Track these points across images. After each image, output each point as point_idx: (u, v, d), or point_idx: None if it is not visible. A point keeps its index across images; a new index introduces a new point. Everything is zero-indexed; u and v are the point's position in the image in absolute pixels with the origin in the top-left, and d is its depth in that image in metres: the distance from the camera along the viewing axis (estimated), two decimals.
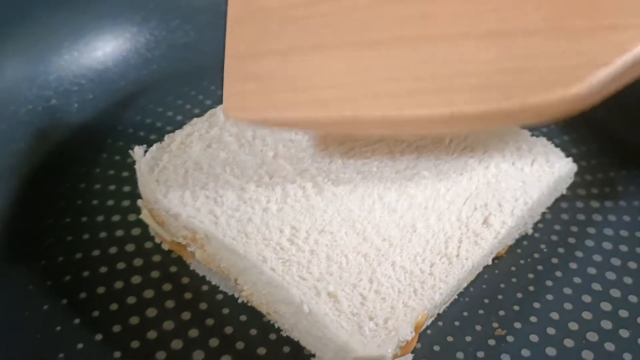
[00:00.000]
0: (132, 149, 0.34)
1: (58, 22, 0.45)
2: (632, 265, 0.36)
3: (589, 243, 0.37)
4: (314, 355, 0.30)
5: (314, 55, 0.31)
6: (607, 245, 0.37)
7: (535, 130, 0.42)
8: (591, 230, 0.38)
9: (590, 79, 0.28)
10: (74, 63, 0.46)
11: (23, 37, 0.43)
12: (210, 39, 0.50)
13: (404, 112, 0.28)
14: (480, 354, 0.32)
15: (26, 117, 0.42)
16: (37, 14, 0.44)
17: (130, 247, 0.36)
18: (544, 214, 0.38)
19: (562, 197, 0.39)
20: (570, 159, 0.35)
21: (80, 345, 0.31)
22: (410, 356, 0.31)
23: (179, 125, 0.41)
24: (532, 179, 0.33)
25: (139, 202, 0.36)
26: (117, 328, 0.32)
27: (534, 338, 0.32)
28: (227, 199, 0.31)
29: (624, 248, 0.37)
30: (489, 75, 0.29)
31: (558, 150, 0.36)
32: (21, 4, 0.43)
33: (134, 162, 0.40)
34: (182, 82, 0.48)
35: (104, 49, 0.47)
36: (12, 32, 0.42)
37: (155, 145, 0.34)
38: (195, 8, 0.51)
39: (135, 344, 0.31)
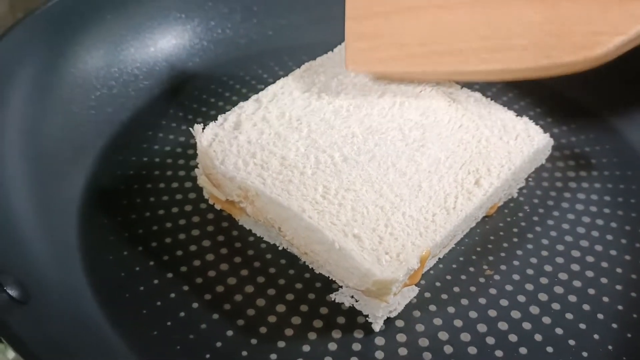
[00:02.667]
0: (184, 128, 0.42)
1: (119, 24, 0.52)
2: (600, 222, 0.44)
3: (564, 205, 0.45)
4: (341, 287, 0.38)
5: (408, 16, 0.42)
6: (579, 207, 0.45)
7: (522, 111, 0.50)
8: (567, 194, 0.46)
9: (609, 44, 0.38)
10: (130, 57, 0.53)
11: (92, 36, 0.51)
12: (243, 35, 0.58)
13: (468, 68, 0.40)
14: (473, 289, 0.40)
15: (95, 102, 0.50)
16: (103, 18, 0.52)
17: (188, 208, 0.44)
18: (528, 181, 0.46)
19: (543, 168, 0.47)
20: (547, 135, 0.43)
21: (155, 281, 0.39)
22: (416, 289, 0.39)
23: (220, 108, 0.49)
24: (515, 149, 0.41)
25: (196, 170, 0.44)
26: (183, 269, 0.40)
27: (515, 277, 0.40)
28: (272, 165, 0.39)
29: (593, 209, 0.45)
30: (535, 37, 0.40)
31: (538, 127, 0.43)
32: (92, 9, 0.51)
33: (185, 140, 0.49)
34: (221, 72, 0.55)
35: (155, 46, 0.55)
36: (83, 31, 0.50)
37: (211, 124, 0.42)
38: (230, 9, 0.59)
39: (199, 280, 0.39)
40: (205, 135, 0.41)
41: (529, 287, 0.40)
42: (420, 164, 0.39)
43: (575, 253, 0.42)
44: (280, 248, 0.41)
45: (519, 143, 0.42)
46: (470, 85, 0.53)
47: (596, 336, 0.37)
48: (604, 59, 0.39)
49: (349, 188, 0.38)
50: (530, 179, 0.46)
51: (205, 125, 0.41)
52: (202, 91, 0.54)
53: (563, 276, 0.40)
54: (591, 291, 0.40)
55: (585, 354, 0.36)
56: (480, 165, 0.40)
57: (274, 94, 0.44)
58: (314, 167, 0.39)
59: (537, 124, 0.44)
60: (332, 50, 0.49)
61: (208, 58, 0.57)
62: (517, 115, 0.44)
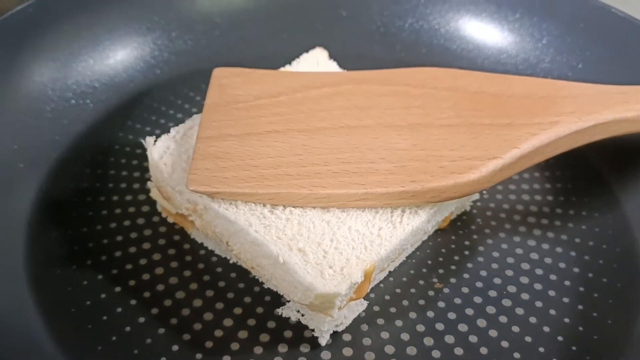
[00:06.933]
0: (141, 141, 0.42)
1: (78, 35, 0.52)
2: (550, 234, 0.44)
3: (516, 218, 0.45)
4: (289, 301, 0.38)
5: (264, 139, 0.38)
6: (530, 220, 0.45)
7: None
8: (519, 207, 0.46)
9: (481, 168, 0.36)
10: (89, 69, 0.53)
11: (48, 46, 0.51)
12: (205, 47, 0.58)
13: (326, 191, 0.36)
14: (422, 302, 0.40)
15: (51, 114, 0.49)
16: (60, 27, 0.51)
17: (140, 221, 0.44)
18: (482, 194, 0.46)
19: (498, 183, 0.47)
20: None
21: (103, 296, 0.39)
22: (365, 302, 0.39)
23: (179, 121, 0.48)
24: None
25: (149, 183, 0.43)
26: (132, 282, 0.40)
27: (465, 290, 0.40)
28: None
29: (544, 221, 0.45)
30: (402, 161, 0.37)
31: None
32: (49, 19, 0.51)
33: (142, 152, 0.49)
34: (182, 85, 0.55)
35: (115, 57, 0.55)
36: (41, 42, 0.50)
37: (163, 136, 0.42)
38: (193, 20, 0.59)
39: (147, 294, 0.39)
40: (157, 148, 0.41)
41: (478, 300, 0.40)
42: None
43: (525, 266, 0.42)
44: (231, 262, 0.41)
45: None
46: None
47: (541, 349, 0.37)
48: (479, 185, 0.37)
49: None
50: (484, 192, 0.47)
51: (157, 138, 0.41)
52: (161, 103, 0.54)
53: (511, 289, 0.41)
54: (538, 304, 0.40)
55: None
56: None
57: None
58: None
59: None
60: (290, 64, 0.49)
61: (169, 70, 0.56)
62: None
